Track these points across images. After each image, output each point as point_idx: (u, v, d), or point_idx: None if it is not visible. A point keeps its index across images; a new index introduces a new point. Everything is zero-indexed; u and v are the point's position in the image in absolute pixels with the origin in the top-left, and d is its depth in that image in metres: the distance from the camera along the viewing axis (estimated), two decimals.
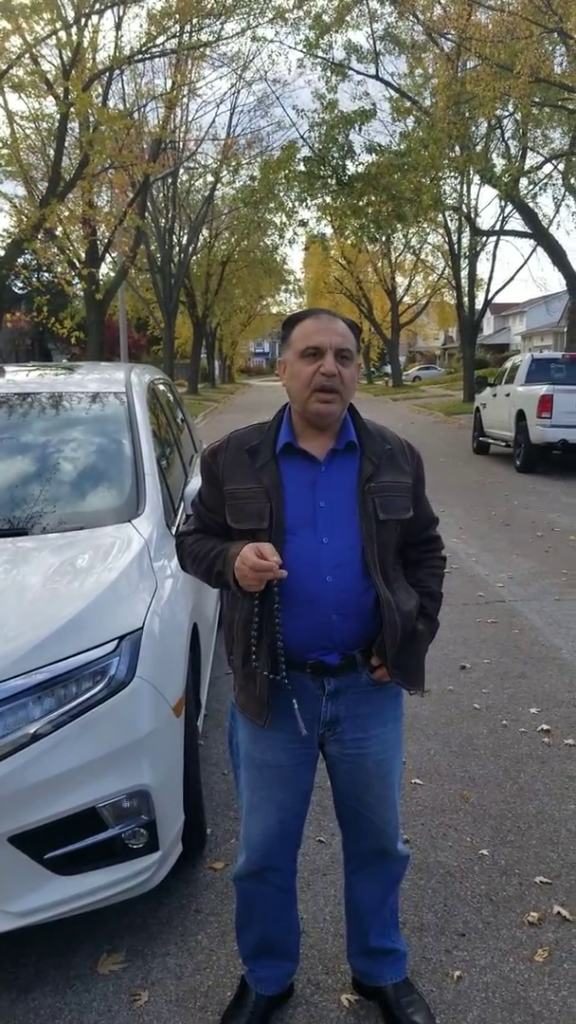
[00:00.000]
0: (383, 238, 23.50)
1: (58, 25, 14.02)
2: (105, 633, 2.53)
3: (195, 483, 3.27)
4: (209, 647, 4.04)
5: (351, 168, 21.31)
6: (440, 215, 27.13)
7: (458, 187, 25.93)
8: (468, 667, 5.06)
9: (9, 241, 15.09)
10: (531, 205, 21.08)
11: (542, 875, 3.03)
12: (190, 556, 2.16)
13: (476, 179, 24.68)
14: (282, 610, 2.00)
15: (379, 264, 45.76)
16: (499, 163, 20.73)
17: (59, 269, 20.66)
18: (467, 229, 28.73)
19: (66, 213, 16.87)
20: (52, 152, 16.05)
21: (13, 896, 2.35)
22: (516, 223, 24.33)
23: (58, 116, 15.02)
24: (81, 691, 2.41)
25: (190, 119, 31.10)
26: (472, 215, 27.54)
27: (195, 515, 2.22)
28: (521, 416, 13.39)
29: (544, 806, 3.50)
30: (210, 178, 32.46)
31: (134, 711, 2.49)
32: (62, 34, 14.37)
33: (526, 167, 21.02)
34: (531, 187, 21.10)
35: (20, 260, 15.82)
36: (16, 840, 2.31)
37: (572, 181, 21.09)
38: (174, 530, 3.37)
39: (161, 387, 4.97)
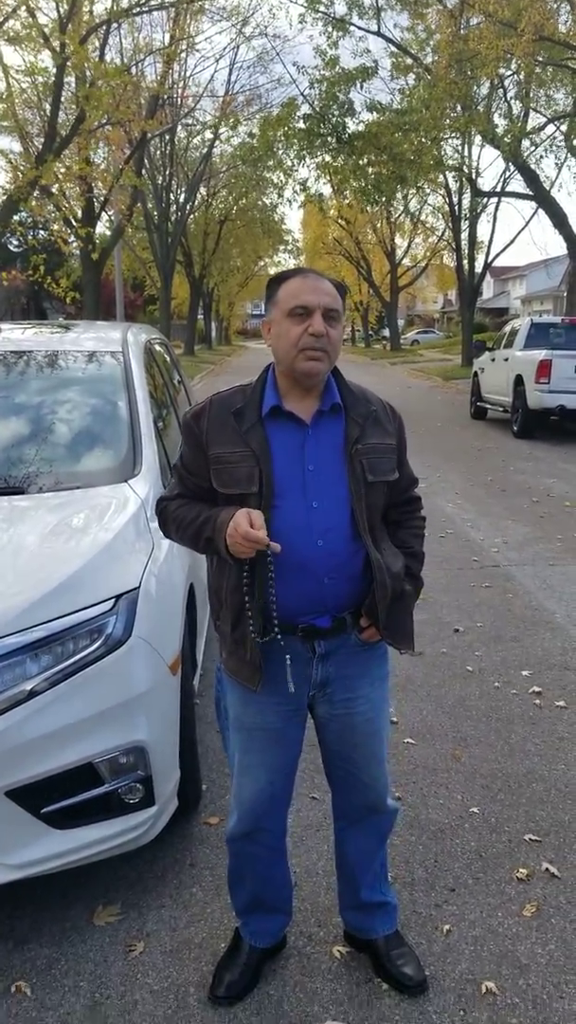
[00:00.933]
0: (383, 200, 23.17)
1: None
2: (102, 592, 2.55)
3: None
4: (205, 607, 4.05)
5: (351, 127, 21.00)
6: (441, 176, 26.79)
7: (459, 148, 25.60)
8: (461, 630, 5.10)
9: (4, 198, 14.83)
10: (533, 167, 20.82)
11: (531, 833, 3.08)
12: (174, 522, 2.13)
13: (478, 140, 24.35)
14: (275, 576, 2.00)
15: (379, 225, 45.27)
16: (501, 124, 20.43)
17: (55, 227, 20.38)
18: (468, 190, 28.41)
19: (62, 170, 16.62)
20: (48, 107, 15.77)
21: (10, 849, 2.39)
22: (517, 184, 24.04)
23: (54, 70, 14.72)
24: (78, 649, 2.43)
25: (188, 75, 30.61)
26: (473, 176, 27.18)
27: (177, 480, 2.19)
28: (519, 381, 13.34)
29: (534, 766, 3.55)
30: (208, 135, 32.04)
31: (131, 669, 2.51)
32: None
33: (528, 128, 20.71)
34: (532, 148, 20.82)
35: (16, 217, 15.63)
36: (13, 794, 2.34)
37: (574, 142, 20.80)
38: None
39: (158, 347, 4.94)
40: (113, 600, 2.54)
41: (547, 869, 2.88)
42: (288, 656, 2.06)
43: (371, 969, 2.42)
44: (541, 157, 21.01)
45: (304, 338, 1.98)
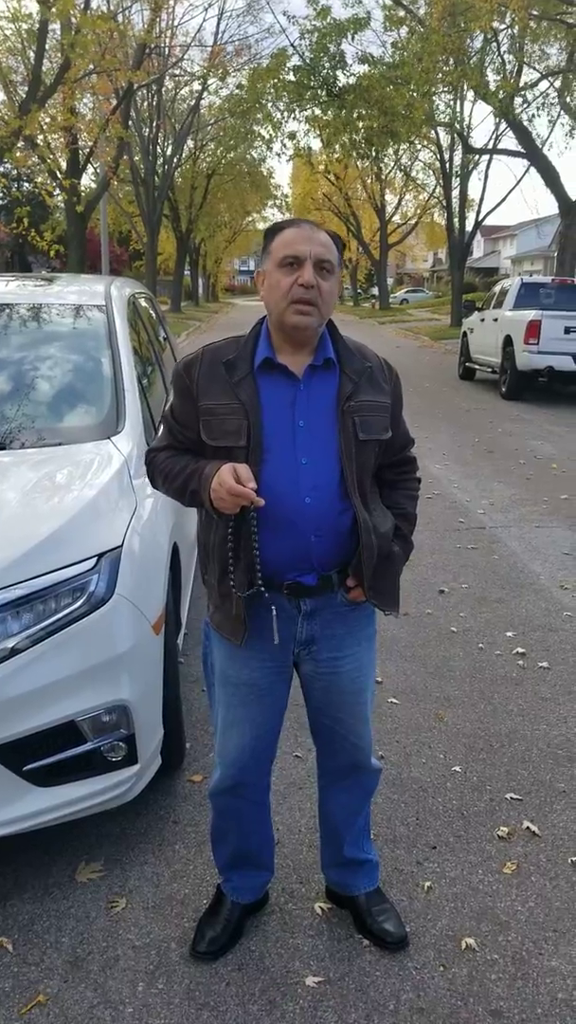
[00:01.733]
0: (374, 154, 22.83)
1: None
2: (84, 550, 2.52)
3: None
4: (190, 567, 4.03)
5: (342, 80, 20.60)
6: (432, 132, 26.39)
7: (451, 103, 25.16)
8: (446, 591, 5.10)
9: None
10: (525, 124, 20.50)
11: (513, 792, 3.11)
12: (161, 473, 2.10)
13: (470, 95, 23.95)
14: (260, 531, 1.97)
15: (368, 181, 44.66)
16: (494, 79, 20.07)
17: (39, 179, 20.01)
18: (459, 147, 28.01)
19: (47, 120, 16.25)
20: (32, 55, 15.37)
21: None
22: (509, 142, 23.75)
23: (38, 16, 14.32)
24: (60, 607, 2.40)
25: (176, 23, 29.96)
26: (465, 132, 26.76)
27: (166, 430, 2.15)
28: (508, 342, 13.27)
29: (517, 726, 3.57)
30: (196, 87, 31.36)
31: (113, 628, 2.49)
32: None
33: (521, 84, 20.37)
34: (525, 106, 20.50)
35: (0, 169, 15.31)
36: None
37: (568, 99, 20.49)
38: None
39: (143, 302, 4.85)
40: (95, 558, 2.51)
41: (528, 828, 2.90)
42: (274, 607, 2.03)
43: (352, 925, 2.44)
44: (534, 116, 20.66)
45: (294, 289, 1.93)
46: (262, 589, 2.01)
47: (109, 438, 3.17)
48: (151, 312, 5.16)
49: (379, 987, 2.24)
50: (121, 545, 2.60)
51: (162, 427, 2.19)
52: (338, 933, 2.43)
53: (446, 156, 31.07)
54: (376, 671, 3.98)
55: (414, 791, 3.11)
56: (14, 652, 2.32)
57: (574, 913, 2.51)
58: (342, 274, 2.07)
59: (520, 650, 4.29)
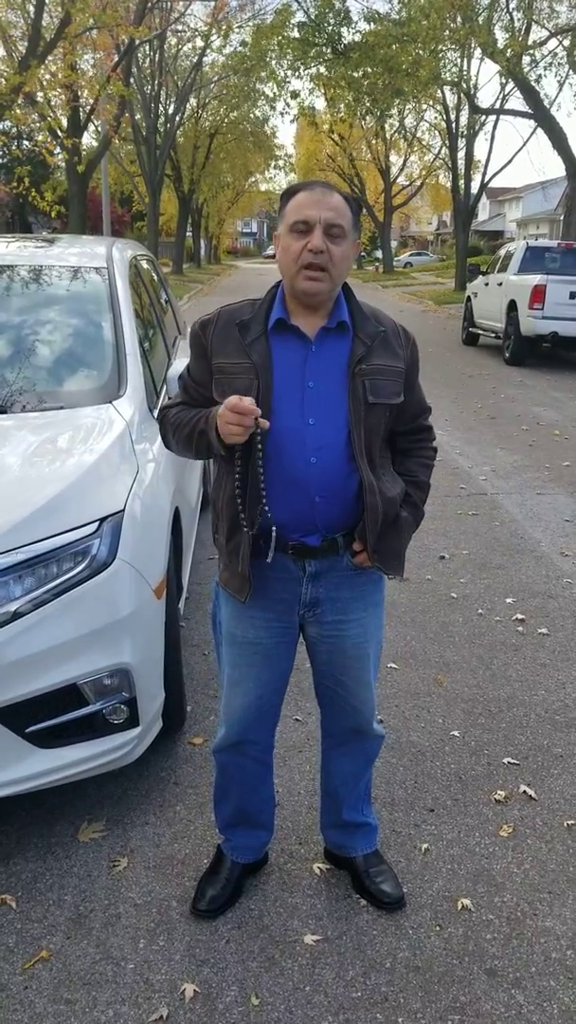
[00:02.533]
0: (378, 113, 22.47)
1: None
2: (86, 514, 2.52)
3: (178, 365, 3.19)
4: (191, 532, 4.04)
5: (347, 37, 20.23)
6: (438, 91, 25.96)
7: (458, 61, 24.72)
8: (447, 557, 5.11)
9: None
10: (533, 84, 20.13)
11: (510, 756, 3.14)
12: (172, 426, 2.11)
13: (477, 53, 23.50)
14: (267, 491, 1.98)
15: (373, 141, 44.02)
16: (502, 37, 19.67)
17: (40, 137, 19.72)
18: (466, 106, 27.57)
19: (47, 77, 15.98)
20: (32, 9, 15.07)
21: None
22: (517, 102, 23.35)
23: None
24: (62, 571, 2.41)
25: None
26: (472, 92, 26.32)
27: (182, 388, 2.17)
28: (512, 306, 13.16)
29: (515, 691, 3.60)
30: (199, 43, 30.78)
31: (115, 592, 2.50)
32: None
33: (530, 42, 19.96)
34: (533, 65, 20.09)
35: None
36: None
37: None
38: (155, 413, 3.31)
39: (144, 264, 4.81)
40: (97, 523, 2.52)
41: (524, 792, 2.93)
42: (274, 529, 2.03)
43: (350, 885, 2.48)
44: (541, 76, 20.23)
45: (304, 254, 1.92)
46: (265, 558, 2.03)
47: (111, 402, 3.16)
48: (153, 274, 5.12)
49: (376, 946, 2.28)
50: (123, 510, 2.60)
51: (179, 385, 2.21)
52: (336, 893, 2.47)
53: (452, 117, 30.63)
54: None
55: (412, 755, 3.14)
56: (16, 616, 2.33)
57: (569, 875, 2.55)
58: (360, 237, 2.05)
59: (520, 616, 4.31)
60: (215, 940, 2.30)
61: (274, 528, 2.03)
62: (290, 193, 2.01)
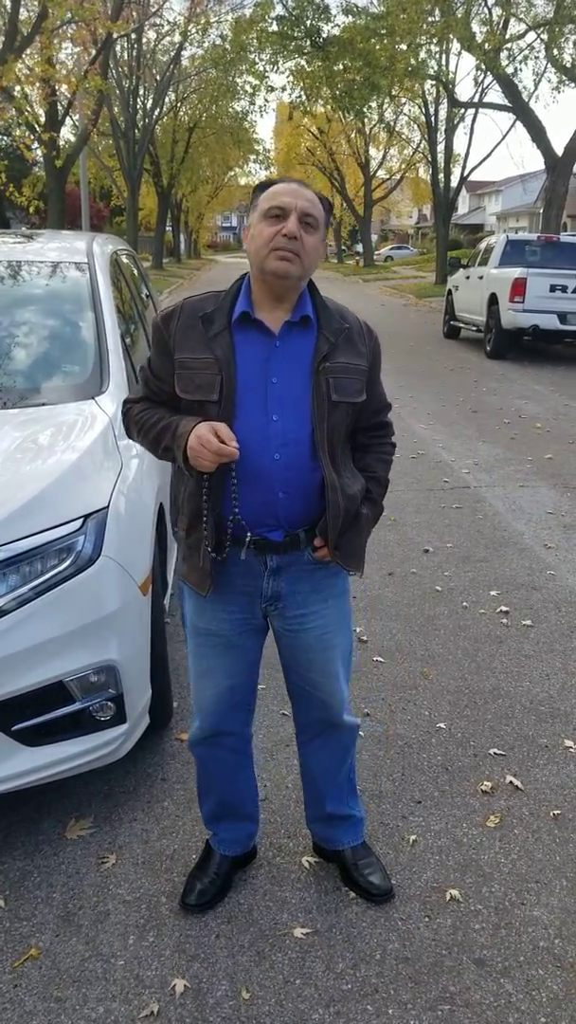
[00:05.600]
0: (356, 108, 22.42)
1: None
2: (70, 511, 2.51)
3: None
4: None
5: (326, 31, 20.18)
6: (416, 85, 25.95)
7: (436, 55, 24.73)
8: (431, 551, 5.13)
9: None
10: (512, 77, 20.16)
11: (496, 747, 3.16)
12: (136, 425, 2.10)
13: (455, 48, 23.53)
14: (237, 494, 1.98)
15: (352, 135, 44.00)
16: (480, 30, 19.69)
17: (17, 132, 19.57)
18: (445, 100, 27.58)
19: (24, 71, 15.85)
20: (8, 2, 14.95)
21: None
22: (495, 95, 23.37)
23: None
24: (46, 568, 2.40)
25: None
26: (450, 85, 26.33)
27: (142, 383, 2.15)
28: (493, 300, 13.19)
29: (500, 683, 3.61)
30: (177, 37, 30.63)
31: (101, 589, 2.49)
32: None
33: (508, 36, 20.00)
34: (510, 61, 20.13)
35: None
36: None
37: (555, 52, 20.15)
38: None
39: (124, 259, 4.78)
40: (81, 520, 2.51)
41: (511, 782, 2.95)
42: (250, 537, 2.05)
43: (339, 878, 2.49)
44: (519, 69, 20.30)
45: (277, 238, 1.92)
46: (226, 554, 2.04)
47: (93, 398, 3.15)
48: (133, 269, 5.09)
49: (366, 938, 2.29)
50: (107, 506, 2.59)
51: (139, 379, 2.18)
52: (325, 886, 2.48)
53: (431, 110, 30.64)
54: (361, 630, 4.02)
55: (399, 747, 3.16)
56: (1, 613, 2.32)
57: (556, 865, 2.57)
58: (328, 233, 2.05)
59: (504, 608, 4.33)
60: (205, 935, 2.30)
61: (235, 523, 2.02)
62: (264, 186, 2.00)
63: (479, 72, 23.28)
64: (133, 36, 28.30)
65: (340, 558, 2.13)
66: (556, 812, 2.80)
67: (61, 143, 19.32)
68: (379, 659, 3.80)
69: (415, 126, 35.36)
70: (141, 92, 33.18)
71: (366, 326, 2.16)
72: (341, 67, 19.96)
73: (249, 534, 2.04)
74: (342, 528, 2.09)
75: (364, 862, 2.46)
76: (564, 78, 20.10)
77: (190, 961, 2.22)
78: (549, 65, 20.73)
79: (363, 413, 2.16)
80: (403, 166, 45.34)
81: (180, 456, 1.93)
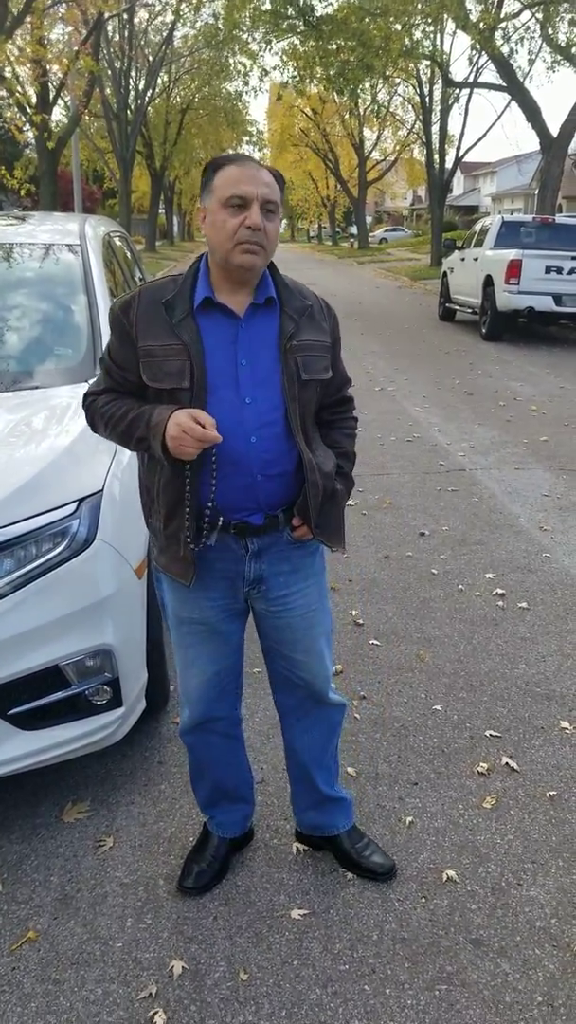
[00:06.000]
0: (350, 90, 22.22)
1: None
2: (64, 495, 2.50)
3: None
4: None
5: (319, 9, 20.00)
6: (411, 65, 25.74)
7: (431, 34, 24.50)
8: (427, 534, 5.12)
9: None
10: (507, 56, 20.00)
11: (492, 729, 3.16)
12: (102, 418, 2.05)
13: (450, 27, 23.34)
14: (204, 472, 1.96)
15: (346, 116, 43.68)
16: (475, 9, 19.51)
17: (8, 114, 19.40)
18: (439, 80, 27.38)
19: (15, 52, 15.68)
20: None
21: None
22: (491, 75, 23.23)
23: None
24: (41, 552, 2.39)
25: None
26: (445, 65, 26.12)
27: (103, 373, 2.09)
28: (488, 282, 13.13)
29: (496, 665, 3.62)
30: (169, 16, 30.33)
31: (96, 573, 2.48)
32: None
33: (503, 14, 19.82)
34: (505, 41, 19.94)
35: None
36: None
37: (550, 31, 19.99)
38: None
39: (117, 241, 4.75)
40: (76, 503, 2.49)
41: (507, 763, 2.96)
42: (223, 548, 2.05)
43: (335, 860, 2.49)
44: (513, 50, 20.08)
45: (241, 231, 1.87)
46: (207, 541, 2.03)
47: (87, 381, 3.12)
48: (126, 251, 5.06)
49: (363, 919, 2.30)
50: (101, 490, 2.58)
51: (99, 370, 2.13)
52: (322, 867, 2.48)
53: (426, 90, 30.43)
54: (357, 613, 4.02)
55: (396, 729, 3.16)
56: None
57: (552, 845, 2.58)
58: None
59: (500, 591, 4.33)
60: (202, 917, 2.31)
61: (212, 509, 2.00)
62: (217, 165, 1.94)
63: (474, 52, 23.13)
64: (125, 16, 27.98)
65: (322, 536, 2.12)
66: (552, 793, 2.81)
67: (53, 125, 19.16)
68: (375, 642, 3.80)
69: (409, 106, 35.12)
70: (133, 73, 32.92)
71: (325, 303, 2.15)
72: (335, 47, 19.77)
73: (222, 519, 2.02)
74: (321, 506, 2.08)
75: (361, 844, 2.47)
76: (559, 58, 19.96)
77: (188, 943, 2.22)
78: (544, 44, 20.60)
79: (327, 389, 2.15)
80: (398, 147, 45.07)
81: (158, 446, 1.90)
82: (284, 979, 2.12)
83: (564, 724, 3.19)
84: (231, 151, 47.47)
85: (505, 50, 19.68)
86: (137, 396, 2.02)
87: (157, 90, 35.36)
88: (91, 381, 3.09)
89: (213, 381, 1.94)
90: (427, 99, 30.51)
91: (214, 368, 1.95)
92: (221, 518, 2.02)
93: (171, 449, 1.87)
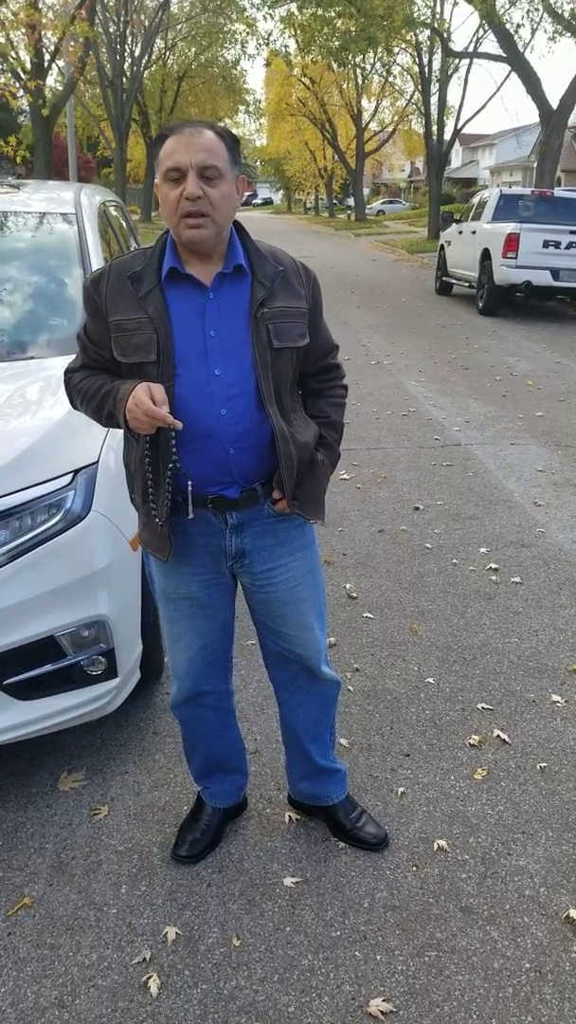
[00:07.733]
0: (351, 59, 21.94)
1: None
2: (59, 467, 2.49)
3: None
4: None
5: None
6: (411, 34, 25.42)
7: (432, 3, 24.19)
8: (421, 508, 5.13)
9: None
10: (510, 28, 19.75)
11: (484, 702, 3.19)
12: (79, 394, 2.04)
13: None
14: (179, 446, 1.93)
15: (345, 86, 43.17)
16: None
17: (1, 80, 19.10)
18: (439, 50, 27.05)
19: (9, 16, 15.44)
20: None
21: None
22: (491, 45, 22.93)
23: None
24: (36, 524, 2.39)
25: None
26: (446, 34, 25.79)
27: (80, 350, 2.08)
28: (486, 255, 13.04)
29: (489, 639, 3.64)
30: None
31: (91, 544, 2.48)
32: None
33: None
34: (508, 8, 19.68)
35: None
36: None
37: (551, 1, 19.73)
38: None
39: (113, 211, 4.71)
40: (71, 475, 2.49)
41: (498, 736, 2.99)
42: (202, 522, 2.05)
43: (327, 829, 2.52)
44: (519, 26, 19.82)
45: (181, 203, 1.83)
46: (188, 515, 2.01)
47: None
48: (122, 221, 5.02)
49: (354, 886, 2.33)
50: (97, 461, 2.58)
51: (77, 346, 2.10)
52: (314, 836, 2.51)
53: (425, 60, 30.06)
54: (351, 587, 4.04)
55: (388, 702, 3.19)
56: None
57: (541, 816, 2.61)
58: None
59: (493, 565, 4.35)
60: (196, 884, 2.34)
61: (190, 483, 1.99)
62: (161, 138, 1.89)
63: (476, 21, 22.80)
64: None
65: (299, 507, 2.09)
66: (542, 765, 2.84)
67: (48, 90, 18.90)
68: (368, 615, 3.82)
69: (408, 77, 34.71)
70: (129, 39, 32.43)
71: (303, 266, 2.08)
72: (334, 13, 19.48)
73: (193, 493, 2.00)
74: (297, 477, 2.06)
75: (355, 814, 2.50)
76: (560, 27, 19.70)
77: (181, 909, 2.25)
78: (545, 14, 20.32)
79: (310, 357, 2.11)
80: (396, 118, 44.60)
81: (122, 420, 1.89)
82: (276, 945, 2.15)
83: (555, 697, 3.22)
84: (228, 120, 46.98)
85: (512, 23, 19.37)
86: (113, 372, 2.00)
87: (153, 57, 34.89)
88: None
89: (181, 354, 1.91)
90: (426, 69, 30.15)
91: (182, 340, 1.92)
92: (190, 492, 2.00)
93: (129, 423, 1.87)
